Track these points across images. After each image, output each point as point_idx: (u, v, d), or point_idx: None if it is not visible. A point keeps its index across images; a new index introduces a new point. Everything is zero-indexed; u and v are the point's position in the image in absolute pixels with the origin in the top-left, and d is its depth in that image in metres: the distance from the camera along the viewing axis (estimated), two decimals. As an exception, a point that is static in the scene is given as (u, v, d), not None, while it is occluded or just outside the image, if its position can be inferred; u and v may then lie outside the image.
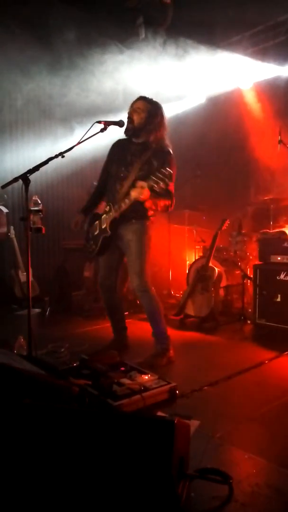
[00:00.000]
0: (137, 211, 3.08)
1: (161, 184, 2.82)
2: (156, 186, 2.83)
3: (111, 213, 3.13)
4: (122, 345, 3.40)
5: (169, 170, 2.83)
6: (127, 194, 3.00)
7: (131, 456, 1.48)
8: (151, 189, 2.86)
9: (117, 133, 3.20)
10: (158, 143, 3.11)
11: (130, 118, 3.09)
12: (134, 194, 2.93)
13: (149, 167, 3.03)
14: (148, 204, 2.99)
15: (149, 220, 3.18)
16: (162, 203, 3.05)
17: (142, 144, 3.13)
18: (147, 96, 3.18)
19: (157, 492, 1.42)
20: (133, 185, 3.00)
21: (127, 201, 3.01)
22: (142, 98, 3.14)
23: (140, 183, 2.90)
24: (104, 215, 3.20)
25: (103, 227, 3.20)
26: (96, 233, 3.27)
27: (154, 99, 3.16)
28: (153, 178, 2.82)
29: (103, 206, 3.34)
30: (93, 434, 1.55)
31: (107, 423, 1.57)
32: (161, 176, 2.81)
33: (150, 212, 3.13)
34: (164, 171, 2.81)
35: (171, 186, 3.06)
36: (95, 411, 1.75)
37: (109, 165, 3.27)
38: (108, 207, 3.17)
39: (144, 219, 3.15)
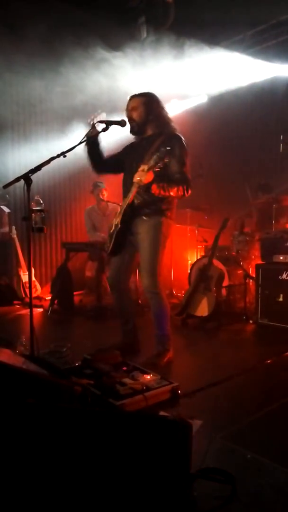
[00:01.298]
0: (150, 205, 3.00)
1: (161, 163, 2.75)
2: (156, 166, 2.75)
3: (122, 207, 3.09)
4: (129, 347, 3.30)
5: (166, 149, 2.74)
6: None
7: (141, 457, 1.48)
8: (154, 171, 2.78)
9: (119, 133, 3.20)
10: (165, 128, 3.06)
11: (130, 119, 3.08)
12: (136, 178, 2.84)
13: (162, 155, 2.88)
14: (155, 190, 2.84)
15: (165, 216, 3.06)
16: (175, 188, 2.92)
17: (151, 136, 3.08)
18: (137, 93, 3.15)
19: (172, 493, 1.41)
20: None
21: (133, 189, 2.93)
22: (133, 96, 3.12)
23: (142, 167, 2.82)
24: (118, 211, 3.15)
25: (116, 222, 3.13)
26: (111, 230, 3.20)
27: (144, 91, 3.13)
28: (153, 158, 2.76)
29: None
30: (96, 433, 1.54)
31: (113, 423, 1.56)
32: (160, 155, 2.74)
33: (164, 206, 3.03)
34: (163, 150, 2.75)
35: (186, 169, 2.98)
36: (98, 411, 1.75)
37: (123, 156, 3.21)
38: (122, 202, 3.12)
39: (159, 215, 3.03)
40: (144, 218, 3.03)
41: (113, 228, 3.19)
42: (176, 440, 1.45)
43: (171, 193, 2.92)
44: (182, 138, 3.05)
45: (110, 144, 3.34)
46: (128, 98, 3.15)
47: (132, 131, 3.13)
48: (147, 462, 1.47)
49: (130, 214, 3.06)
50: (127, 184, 3.09)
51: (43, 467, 1.53)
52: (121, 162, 3.21)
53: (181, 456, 1.43)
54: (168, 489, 1.42)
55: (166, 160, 2.79)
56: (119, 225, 3.08)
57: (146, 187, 2.86)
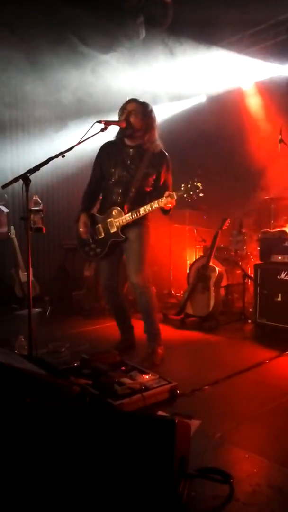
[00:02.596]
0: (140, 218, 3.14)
1: (191, 194, 2.91)
2: (186, 196, 2.91)
3: (123, 217, 3.12)
4: (130, 345, 3.43)
5: (199, 183, 2.89)
6: (150, 202, 3.04)
7: (132, 455, 1.48)
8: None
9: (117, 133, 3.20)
10: (152, 144, 3.15)
11: (127, 121, 3.08)
12: (162, 203, 2.96)
13: (153, 171, 3.15)
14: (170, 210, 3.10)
15: (148, 219, 3.24)
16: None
17: (137, 147, 3.15)
18: (137, 98, 3.19)
19: (158, 491, 1.42)
20: (142, 191, 3.14)
21: (149, 208, 3.02)
22: (134, 100, 3.14)
23: (168, 193, 2.94)
24: (111, 219, 3.18)
25: (112, 231, 3.18)
26: (101, 236, 3.25)
27: (145, 101, 3.19)
28: (184, 189, 2.90)
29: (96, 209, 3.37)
30: (94, 433, 1.55)
31: (108, 422, 1.57)
32: (190, 187, 2.89)
33: (147, 216, 3.20)
34: (193, 182, 2.89)
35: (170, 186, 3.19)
36: (96, 411, 1.75)
37: (104, 167, 3.25)
38: (115, 210, 3.15)
39: (145, 220, 3.20)
40: (135, 222, 3.15)
41: (103, 235, 3.24)
42: (159, 438, 1.45)
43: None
44: (167, 155, 3.25)
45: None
46: (127, 98, 3.16)
47: (126, 133, 3.13)
48: (133, 460, 1.47)
49: (125, 226, 3.16)
50: (114, 193, 3.18)
51: (40, 466, 1.53)
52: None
53: (164, 454, 1.43)
54: (153, 487, 1.42)
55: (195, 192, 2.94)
56: (122, 237, 3.16)
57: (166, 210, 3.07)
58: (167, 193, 2.95)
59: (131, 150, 3.17)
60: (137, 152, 3.16)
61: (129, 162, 3.16)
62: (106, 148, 3.26)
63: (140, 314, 3.30)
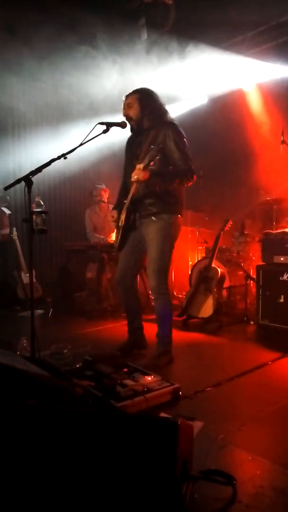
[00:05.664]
0: (156, 204, 3.01)
1: (155, 159, 2.80)
2: (151, 162, 2.80)
3: (126, 203, 3.12)
4: (136, 346, 3.33)
5: (159, 143, 2.80)
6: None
7: (135, 457, 1.48)
8: (150, 167, 2.82)
9: (119, 135, 3.21)
10: (160, 119, 3.07)
11: (128, 117, 3.10)
12: (133, 177, 2.89)
13: (155, 146, 2.91)
14: (158, 186, 2.90)
15: (175, 212, 3.06)
16: (177, 179, 2.95)
17: (146, 129, 3.09)
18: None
19: (161, 493, 1.42)
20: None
21: (132, 187, 2.98)
22: (127, 94, 3.15)
23: (138, 165, 2.87)
24: (123, 208, 3.19)
25: (121, 219, 3.19)
26: (119, 225, 3.25)
27: (137, 88, 3.16)
28: (147, 155, 2.81)
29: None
30: (97, 435, 1.54)
31: (111, 424, 1.56)
32: (153, 153, 2.79)
33: (172, 203, 3.03)
34: (155, 147, 2.80)
35: (186, 154, 2.97)
36: (99, 412, 1.75)
37: (125, 164, 3.27)
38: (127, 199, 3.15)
39: (167, 213, 3.02)
40: (153, 218, 3.04)
41: (119, 223, 3.23)
42: (162, 439, 1.45)
43: (175, 186, 2.96)
44: (175, 123, 3.06)
45: (112, 145, 3.35)
46: (123, 98, 3.17)
47: (132, 130, 3.16)
48: (136, 461, 1.47)
49: (132, 210, 3.10)
50: (127, 183, 3.15)
51: (42, 468, 1.53)
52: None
53: (167, 455, 1.43)
54: (156, 489, 1.42)
55: (158, 156, 2.84)
56: (123, 222, 3.14)
57: (147, 184, 2.91)
58: (136, 166, 2.87)
59: (140, 137, 3.12)
60: (146, 134, 3.07)
61: (138, 150, 3.10)
62: (128, 142, 3.28)
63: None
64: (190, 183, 3.02)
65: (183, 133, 3.05)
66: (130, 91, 3.16)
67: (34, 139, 5.78)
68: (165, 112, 3.14)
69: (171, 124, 3.05)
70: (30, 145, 5.74)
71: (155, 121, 3.06)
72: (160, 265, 3.03)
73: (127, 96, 3.14)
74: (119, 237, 3.20)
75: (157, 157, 2.84)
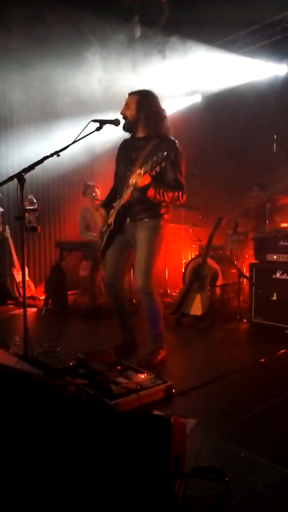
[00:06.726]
0: (149, 209, 3.02)
1: (158, 168, 2.79)
2: (153, 171, 2.79)
3: (116, 206, 3.11)
4: (130, 347, 3.30)
5: (164, 155, 2.78)
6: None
7: (128, 454, 1.48)
8: (150, 175, 2.81)
9: (112, 132, 3.20)
10: (156, 129, 3.06)
11: (123, 116, 3.08)
12: (132, 181, 2.87)
13: (155, 159, 2.87)
14: (151, 194, 2.89)
15: (163, 218, 3.10)
16: (170, 193, 2.96)
17: (144, 138, 3.08)
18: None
19: (154, 490, 1.42)
20: None
21: (127, 190, 2.96)
22: (130, 93, 3.12)
23: (138, 170, 2.84)
24: (112, 210, 3.17)
25: (109, 222, 3.16)
26: (104, 229, 3.24)
27: (141, 89, 3.13)
28: (150, 162, 2.78)
29: None
30: (90, 433, 1.54)
31: (104, 422, 1.56)
32: (158, 160, 2.77)
33: (163, 210, 3.06)
34: (160, 155, 2.78)
35: (181, 176, 3.01)
36: (92, 411, 1.75)
37: (117, 168, 3.25)
38: (116, 202, 3.15)
39: (157, 218, 3.07)
40: (146, 220, 3.05)
41: (105, 227, 3.22)
42: (155, 437, 1.45)
43: (166, 199, 2.97)
44: (177, 142, 3.06)
45: (106, 143, 3.33)
46: (126, 95, 3.14)
47: (124, 128, 3.12)
48: (129, 459, 1.47)
49: (123, 215, 3.09)
50: (120, 186, 3.13)
51: (36, 467, 1.52)
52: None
53: (160, 453, 1.43)
54: (149, 486, 1.42)
55: (163, 164, 2.85)
56: (112, 226, 3.12)
57: (142, 190, 2.88)
58: (136, 170, 2.85)
59: (138, 143, 3.11)
60: (143, 144, 3.06)
61: (134, 156, 3.08)
62: (122, 145, 3.26)
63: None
64: (180, 201, 3.07)
65: (182, 153, 3.07)
66: (134, 90, 3.12)
67: (27, 136, 5.75)
68: (161, 120, 3.10)
69: (173, 141, 3.05)
70: (23, 142, 5.71)
71: (151, 131, 3.05)
72: (149, 265, 3.05)
73: (129, 95, 3.12)
74: (105, 240, 3.19)
75: (160, 166, 2.83)
